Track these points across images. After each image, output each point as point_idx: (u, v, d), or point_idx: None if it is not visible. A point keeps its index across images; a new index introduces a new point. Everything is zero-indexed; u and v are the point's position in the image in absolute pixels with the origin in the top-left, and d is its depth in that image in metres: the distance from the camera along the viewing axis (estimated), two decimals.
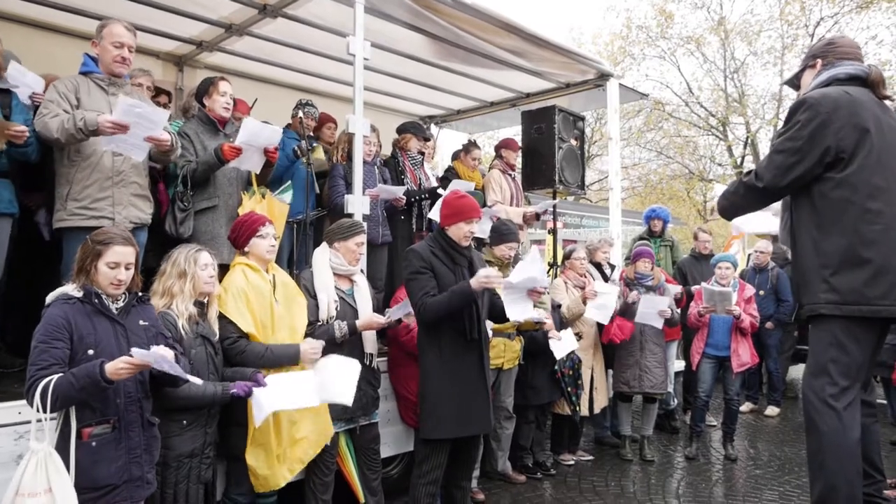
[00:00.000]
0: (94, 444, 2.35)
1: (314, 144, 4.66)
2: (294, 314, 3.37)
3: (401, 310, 3.62)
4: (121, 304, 2.53)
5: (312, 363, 3.22)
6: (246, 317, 3.14)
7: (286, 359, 3.18)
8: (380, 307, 4.06)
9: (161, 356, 2.26)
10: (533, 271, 3.37)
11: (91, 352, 2.36)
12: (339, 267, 3.59)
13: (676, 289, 5.70)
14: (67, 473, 2.23)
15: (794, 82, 3.21)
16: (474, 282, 3.21)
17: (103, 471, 2.36)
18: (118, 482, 2.39)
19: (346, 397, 3.15)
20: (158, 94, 4.77)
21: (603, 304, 5.04)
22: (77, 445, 2.31)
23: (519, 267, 3.41)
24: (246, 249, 3.32)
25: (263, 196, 4.07)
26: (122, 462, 2.41)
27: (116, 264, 2.46)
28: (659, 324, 5.21)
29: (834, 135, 2.68)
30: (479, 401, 3.42)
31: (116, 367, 2.22)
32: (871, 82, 2.84)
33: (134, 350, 2.24)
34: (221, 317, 3.11)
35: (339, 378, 3.17)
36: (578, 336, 5.00)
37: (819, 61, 2.96)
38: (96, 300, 2.44)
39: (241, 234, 3.34)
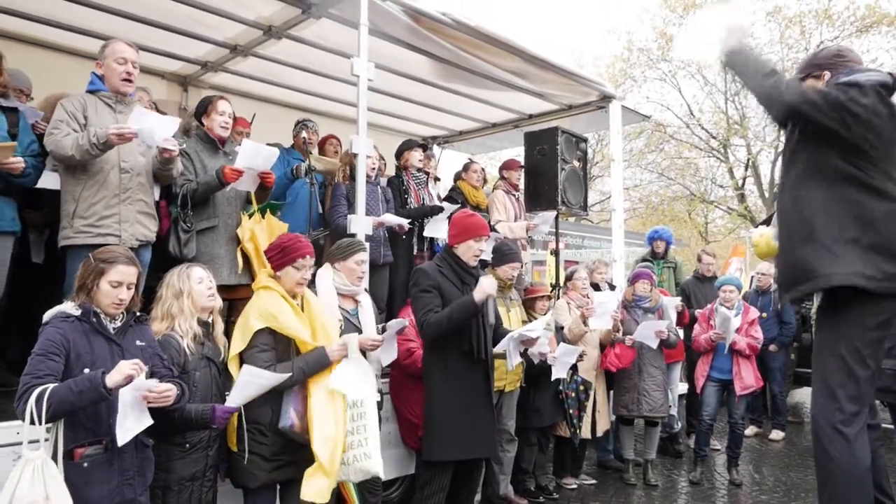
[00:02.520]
0: (85, 464, 2.33)
1: (310, 163, 4.65)
2: (329, 335, 3.29)
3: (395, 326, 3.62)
4: (118, 323, 2.51)
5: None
6: (298, 326, 3.05)
7: (317, 366, 3.05)
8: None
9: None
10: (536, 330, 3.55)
11: (87, 370, 2.34)
12: (342, 287, 3.56)
13: (675, 300, 5.66)
14: (64, 484, 2.19)
15: None
16: (477, 294, 3.20)
17: (95, 492, 2.33)
18: None
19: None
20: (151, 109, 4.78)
21: (604, 312, 4.99)
22: (68, 466, 2.28)
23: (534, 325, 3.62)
24: (277, 274, 3.21)
25: (263, 216, 4.07)
26: (114, 484, 2.38)
27: (119, 283, 2.45)
28: (654, 343, 5.17)
29: (877, 124, 2.57)
30: (484, 424, 3.38)
31: (116, 378, 2.21)
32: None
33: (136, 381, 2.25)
34: (260, 332, 3.01)
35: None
36: (582, 356, 4.93)
37: (827, 73, 2.80)
38: (94, 319, 2.42)
39: (278, 257, 3.19)
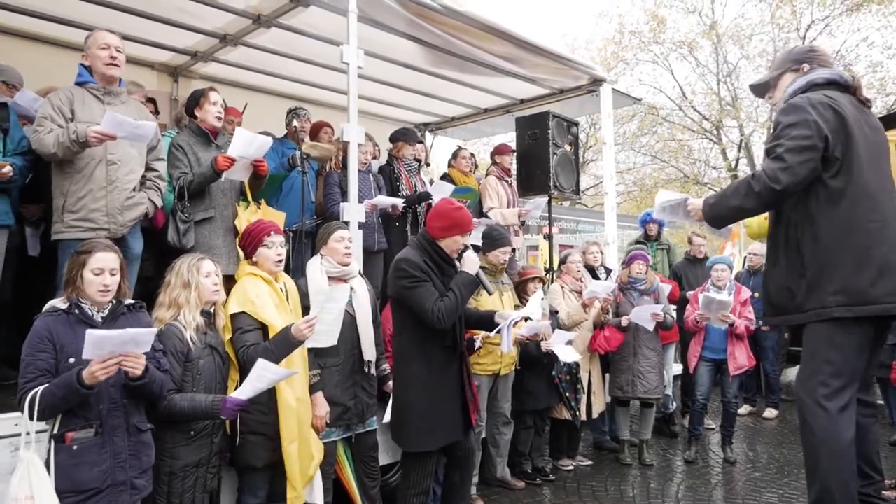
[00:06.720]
0: (75, 447, 2.41)
1: (304, 152, 4.65)
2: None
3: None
4: (105, 312, 2.58)
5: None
6: (273, 313, 3.13)
7: (283, 348, 3.01)
8: (378, 314, 4.06)
9: None
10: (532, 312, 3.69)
11: (72, 360, 2.41)
12: (332, 270, 3.59)
13: (669, 287, 5.70)
14: (50, 480, 2.30)
15: (762, 88, 3.23)
16: (470, 269, 3.31)
17: (85, 474, 2.40)
18: (101, 486, 2.43)
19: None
20: (145, 102, 4.76)
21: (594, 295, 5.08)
22: (59, 449, 2.38)
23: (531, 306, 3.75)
24: (254, 259, 3.32)
25: (259, 206, 4.08)
26: (105, 466, 2.45)
27: (101, 270, 2.53)
28: (650, 326, 5.21)
29: (830, 132, 2.71)
30: (455, 409, 3.39)
31: (91, 370, 2.28)
32: (853, 87, 2.89)
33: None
34: (237, 315, 3.10)
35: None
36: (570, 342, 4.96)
37: (806, 66, 2.99)
38: (76, 310, 2.50)
39: (248, 243, 3.34)
